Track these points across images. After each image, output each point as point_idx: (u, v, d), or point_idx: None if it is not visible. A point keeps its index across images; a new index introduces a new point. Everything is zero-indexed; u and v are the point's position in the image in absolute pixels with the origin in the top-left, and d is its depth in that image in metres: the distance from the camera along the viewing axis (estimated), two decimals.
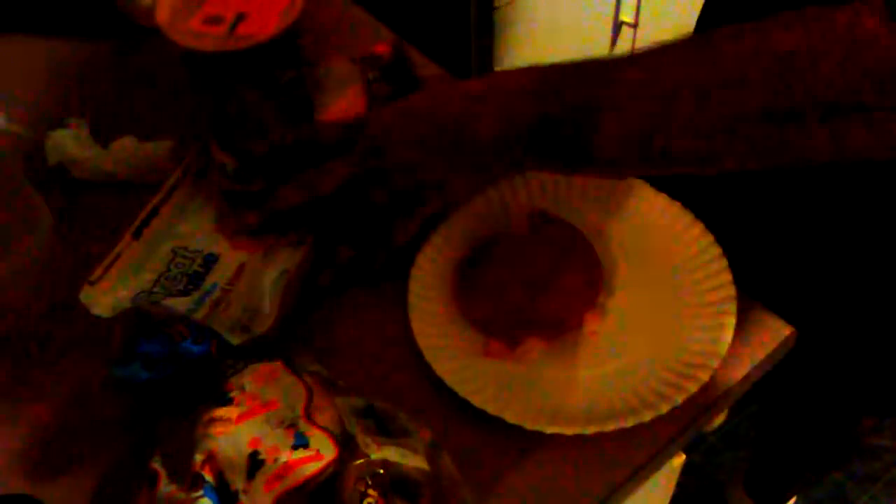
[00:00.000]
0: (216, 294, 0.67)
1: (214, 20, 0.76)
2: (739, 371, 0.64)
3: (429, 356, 0.64)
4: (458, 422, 0.62)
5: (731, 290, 0.65)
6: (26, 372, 0.67)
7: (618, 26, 1.45)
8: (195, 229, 0.71)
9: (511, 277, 0.68)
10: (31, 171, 0.74)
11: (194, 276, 0.68)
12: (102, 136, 0.77)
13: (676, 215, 0.71)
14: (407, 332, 0.66)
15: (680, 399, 0.60)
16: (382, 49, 0.76)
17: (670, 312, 0.67)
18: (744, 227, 0.81)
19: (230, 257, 0.69)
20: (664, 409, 0.60)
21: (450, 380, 0.62)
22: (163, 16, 0.76)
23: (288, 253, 0.68)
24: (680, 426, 0.62)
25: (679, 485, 0.85)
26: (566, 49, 1.44)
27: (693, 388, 0.61)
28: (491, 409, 0.61)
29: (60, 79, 0.86)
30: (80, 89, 0.85)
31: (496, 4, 1.23)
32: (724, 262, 0.67)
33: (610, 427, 0.60)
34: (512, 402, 0.62)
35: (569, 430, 0.60)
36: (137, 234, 0.68)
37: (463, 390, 0.62)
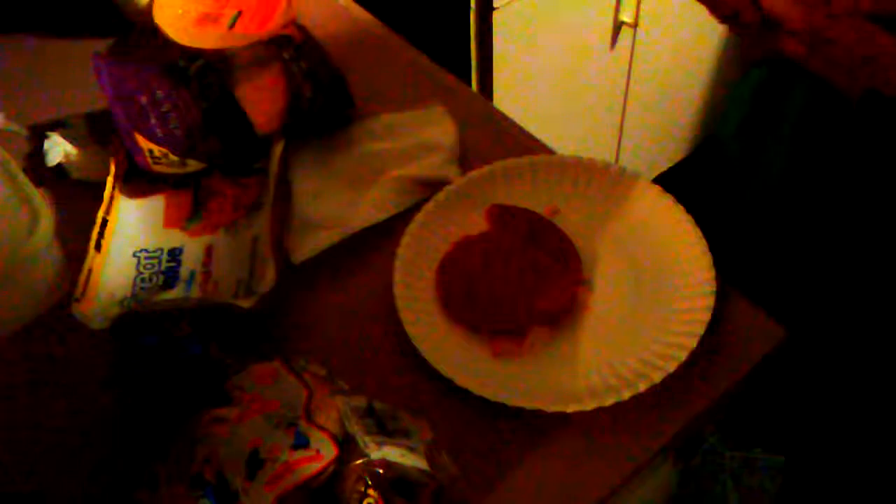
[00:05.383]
0: (199, 278, 0.68)
1: (212, 18, 0.76)
2: (736, 371, 0.64)
3: (437, 363, 0.64)
4: (458, 421, 0.62)
5: (710, 273, 0.67)
6: (27, 372, 0.67)
7: (618, 26, 1.45)
8: (145, 231, 0.72)
9: (495, 275, 0.69)
10: (31, 171, 0.74)
11: (169, 271, 0.69)
12: (102, 136, 0.77)
13: (647, 192, 0.72)
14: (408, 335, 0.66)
15: (674, 366, 0.62)
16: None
17: (651, 282, 0.68)
18: (748, 229, 0.80)
19: (193, 244, 0.70)
20: (671, 367, 0.62)
21: (460, 380, 0.63)
22: (161, 14, 0.76)
23: (251, 220, 0.70)
24: (679, 426, 0.62)
25: (679, 485, 0.85)
26: (566, 49, 1.44)
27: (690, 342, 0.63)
28: (507, 400, 0.61)
29: (60, 79, 0.86)
30: (79, 89, 0.84)
31: (496, 5, 1.23)
32: (702, 245, 0.68)
33: (626, 395, 0.61)
34: (524, 391, 0.62)
35: (589, 405, 0.61)
36: (98, 247, 0.69)
37: (474, 388, 0.62)
